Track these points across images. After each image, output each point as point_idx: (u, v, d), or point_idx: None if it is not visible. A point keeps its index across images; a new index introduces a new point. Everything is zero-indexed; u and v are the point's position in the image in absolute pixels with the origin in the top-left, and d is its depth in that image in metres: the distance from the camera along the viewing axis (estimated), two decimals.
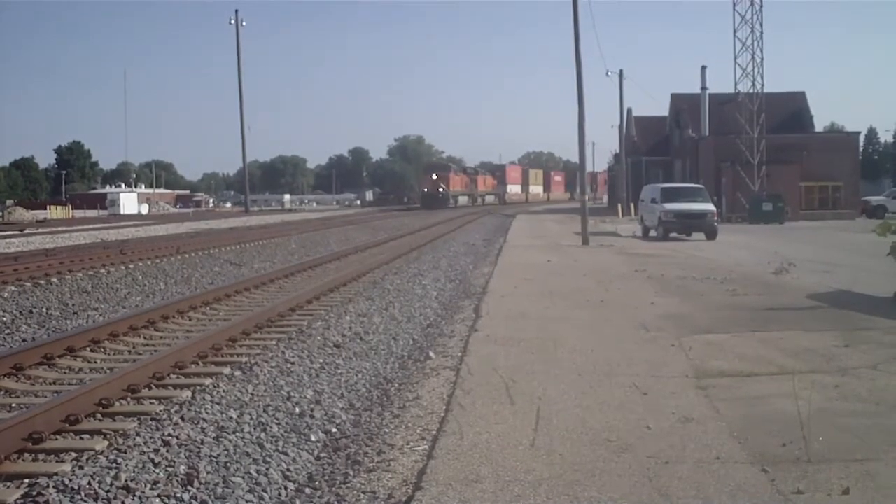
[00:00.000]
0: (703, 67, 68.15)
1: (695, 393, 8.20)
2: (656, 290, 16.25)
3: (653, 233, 36.76)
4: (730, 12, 54.00)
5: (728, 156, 55.40)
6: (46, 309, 14.49)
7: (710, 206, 36.06)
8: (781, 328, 11.71)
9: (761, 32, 53.51)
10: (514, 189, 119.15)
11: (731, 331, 11.61)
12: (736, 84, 54.84)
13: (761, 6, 53.41)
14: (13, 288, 15.95)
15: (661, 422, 7.15)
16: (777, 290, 16.18)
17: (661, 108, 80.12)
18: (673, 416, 7.34)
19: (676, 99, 74.30)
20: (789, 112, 67.23)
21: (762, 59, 53.81)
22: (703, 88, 67.14)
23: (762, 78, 54.21)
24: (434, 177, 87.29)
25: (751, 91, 54.21)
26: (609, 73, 69.00)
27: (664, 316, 13.04)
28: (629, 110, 79.52)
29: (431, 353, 11.18)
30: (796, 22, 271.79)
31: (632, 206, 59.33)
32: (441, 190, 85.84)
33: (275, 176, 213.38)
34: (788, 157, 55.59)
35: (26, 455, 6.69)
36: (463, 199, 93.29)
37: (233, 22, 76.28)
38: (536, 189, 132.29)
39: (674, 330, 11.72)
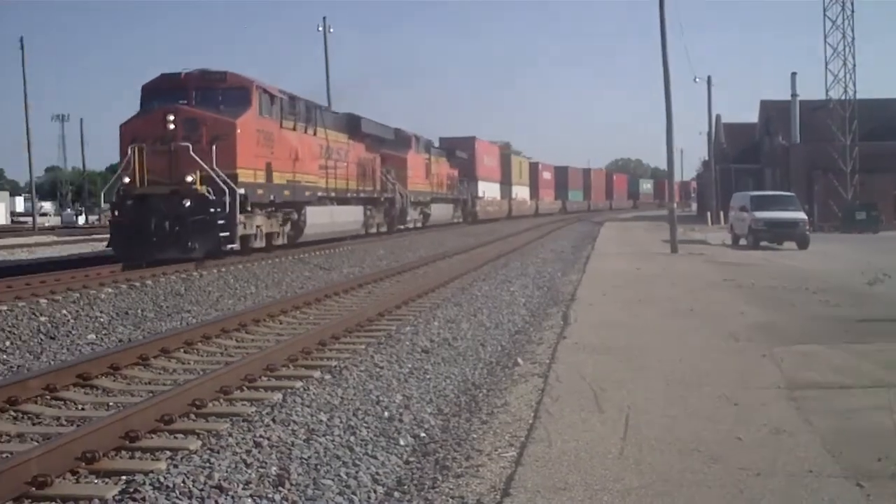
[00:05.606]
0: (794, 74, 66.64)
1: (786, 404, 8.07)
2: (746, 300, 16.00)
3: (743, 241, 36.12)
4: (820, 18, 52.99)
5: (820, 163, 54.18)
6: (141, 311, 14.86)
7: (802, 215, 35.32)
8: (876, 340, 11.43)
9: (853, 38, 52.29)
10: (489, 189, 64.86)
11: (824, 342, 11.37)
12: (827, 90, 53.68)
13: (853, 11, 52.22)
14: (110, 290, 16.37)
15: (752, 433, 7.06)
16: (871, 301, 15.80)
17: (751, 115, 78.69)
18: (764, 427, 7.23)
19: (766, 105, 72.82)
20: (884, 119, 65.37)
21: (854, 65, 52.61)
22: (794, 95, 65.69)
23: (854, 84, 52.96)
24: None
25: (843, 98, 52.99)
26: (697, 80, 67.84)
27: (754, 326, 12.84)
28: (718, 117, 78.31)
29: (520, 360, 11.16)
30: (890, 27, 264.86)
31: (721, 214, 58.47)
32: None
33: None
34: (883, 164, 54.11)
35: (123, 452, 6.90)
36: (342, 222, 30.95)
37: (320, 29, 76.73)
38: (522, 192, 78.57)
39: (764, 340, 11.54)
